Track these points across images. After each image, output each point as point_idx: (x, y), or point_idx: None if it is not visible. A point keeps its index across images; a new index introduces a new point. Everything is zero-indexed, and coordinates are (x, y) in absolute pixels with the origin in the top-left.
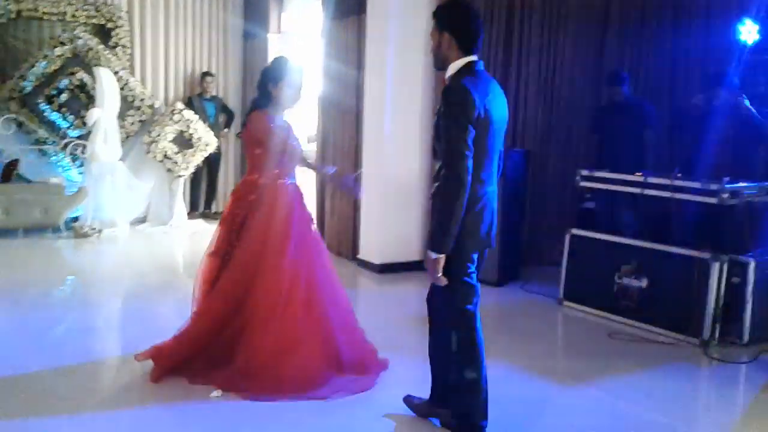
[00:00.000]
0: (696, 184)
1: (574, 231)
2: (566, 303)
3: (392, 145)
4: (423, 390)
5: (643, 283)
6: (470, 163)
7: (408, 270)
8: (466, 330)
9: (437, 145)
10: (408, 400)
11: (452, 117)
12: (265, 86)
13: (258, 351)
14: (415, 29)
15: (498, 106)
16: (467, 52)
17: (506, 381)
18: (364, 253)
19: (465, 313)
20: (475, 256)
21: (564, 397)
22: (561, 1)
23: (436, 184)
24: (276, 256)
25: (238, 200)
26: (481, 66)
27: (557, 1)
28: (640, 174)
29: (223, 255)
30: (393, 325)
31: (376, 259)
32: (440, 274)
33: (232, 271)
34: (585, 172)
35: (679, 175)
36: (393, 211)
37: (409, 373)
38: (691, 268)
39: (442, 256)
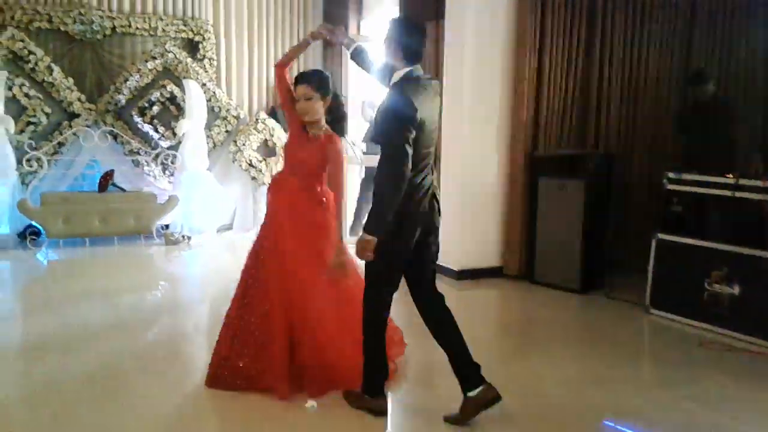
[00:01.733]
0: None
1: (661, 235)
2: (653, 310)
3: (470, 150)
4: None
5: (735, 289)
6: (409, 159)
7: (487, 276)
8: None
9: (375, 138)
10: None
11: (395, 121)
12: None
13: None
14: (494, 34)
15: (430, 108)
16: (409, 62)
17: (591, 389)
18: (442, 259)
19: None
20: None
21: (652, 407)
22: None
23: (379, 174)
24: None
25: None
26: (418, 73)
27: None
28: (732, 175)
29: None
30: (471, 333)
31: (455, 265)
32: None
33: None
34: (672, 175)
35: None
36: (471, 216)
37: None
38: None
39: (375, 239)
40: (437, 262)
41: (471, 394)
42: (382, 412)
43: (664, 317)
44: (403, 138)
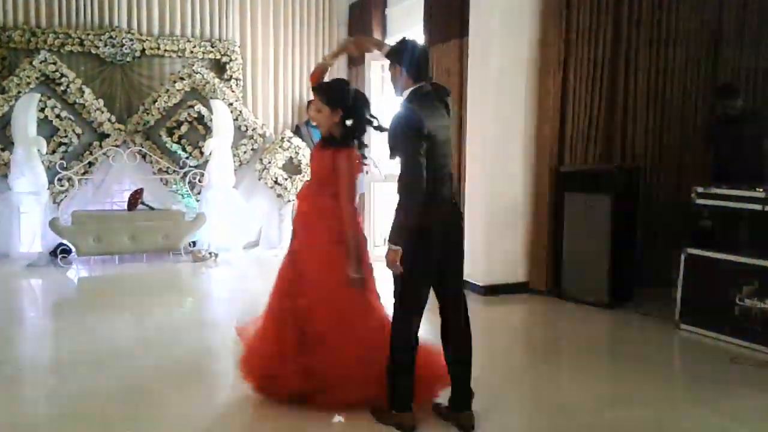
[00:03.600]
0: None
1: (690, 250)
2: (683, 326)
3: (495, 166)
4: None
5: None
6: (423, 169)
7: (513, 292)
8: None
9: (391, 154)
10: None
11: (404, 134)
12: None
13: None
14: (517, 51)
15: (440, 120)
16: (416, 80)
17: (622, 406)
18: (467, 275)
19: None
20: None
21: (683, 422)
22: (669, 12)
23: (398, 186)
24: None
25: None
26: (425, 89)
27: (666, 13)
28: (762, 189)
29: None
30: (498, 349)
31: (481, 281)
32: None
33: None
34: (700, 189)
35: None
36: (498, 231)
37: (515, 404)
38: None
39: (400, 249)
40: (464, 278)
41: (459, 413)
42: (410, 429)
43: (694, 332)
44: (414, 150)
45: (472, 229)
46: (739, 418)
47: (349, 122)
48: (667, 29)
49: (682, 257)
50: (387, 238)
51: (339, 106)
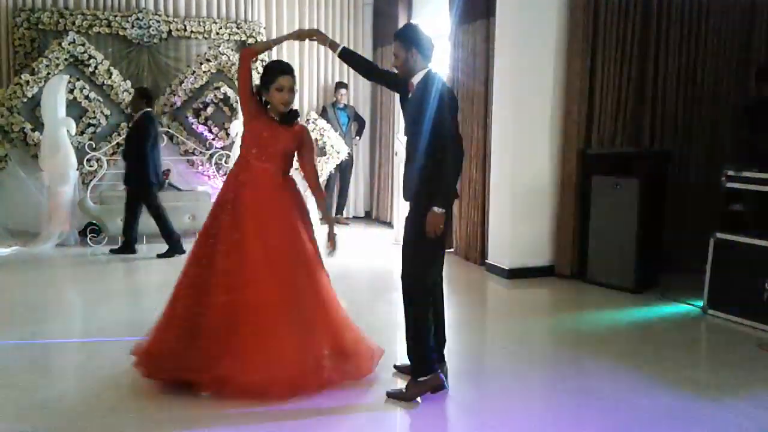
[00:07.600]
0: None
1: (720, 235)
2: (711, 311)
3: (521, 149)
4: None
5: None
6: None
7: (538, 275)
8: None
9: (413, 127)
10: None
11: (448, 110)
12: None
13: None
14: (545, 31)
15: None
16: (428, 62)
17: (649, 392)
18: (492, 258)
19: None
20: None
21: (709, 409)
22: None
23: (429, 159)
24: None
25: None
26: (436, 74)
27: None
28: None
29: (211, 235)
30: (522, 333)
31: (505, 264)
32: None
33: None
34: (731, 173)
35: None
36: (524, 214)
37: (538, 386)
38: None
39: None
40: (487, 260)
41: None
42: (440, 387)
43: (723, 318)
44: (456, 124)
45: (497, 211)
46: (764, 405)
47: None
48: (699, 8)
49: (711, 242)
50: (434, 202)
51: None
